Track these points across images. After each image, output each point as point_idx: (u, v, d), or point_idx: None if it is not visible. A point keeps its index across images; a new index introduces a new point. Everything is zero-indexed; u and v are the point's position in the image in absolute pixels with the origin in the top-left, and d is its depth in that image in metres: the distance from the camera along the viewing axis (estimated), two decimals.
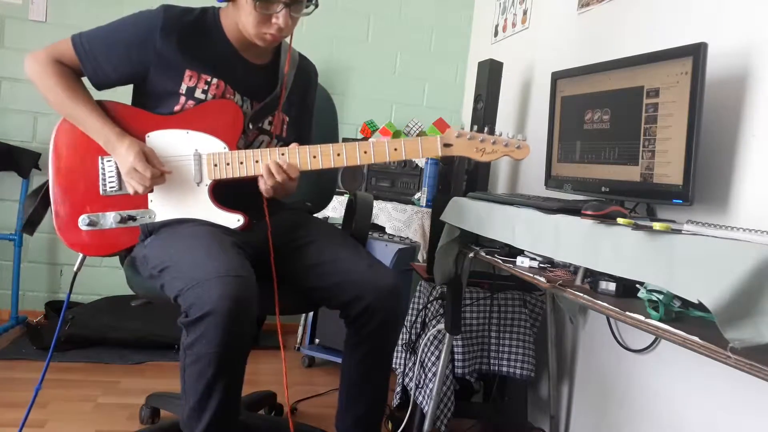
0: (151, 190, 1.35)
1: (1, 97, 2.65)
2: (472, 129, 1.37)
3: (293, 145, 1.37)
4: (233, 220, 1.37)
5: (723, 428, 1.34)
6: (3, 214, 2.67)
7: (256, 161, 1.35)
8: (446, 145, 1.34)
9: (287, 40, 1.49)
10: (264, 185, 1.35)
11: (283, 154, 1.35)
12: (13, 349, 2.34)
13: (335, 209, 2.39)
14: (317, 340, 2.47)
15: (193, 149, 1.37)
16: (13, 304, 2.58)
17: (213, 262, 1.17)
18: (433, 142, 1.34)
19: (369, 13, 3.02)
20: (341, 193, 2.47)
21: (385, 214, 2.32)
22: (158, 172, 1.33)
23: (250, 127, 1.44)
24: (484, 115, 2.18)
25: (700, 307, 0.86)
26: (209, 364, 1.14)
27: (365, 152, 1.35)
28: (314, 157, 1.35)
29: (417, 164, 2.54)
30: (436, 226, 1.73)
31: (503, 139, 1.35)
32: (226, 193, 1.39)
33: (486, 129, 1.37)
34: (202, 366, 1.15)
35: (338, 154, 1.35)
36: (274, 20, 1.32)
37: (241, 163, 1.36)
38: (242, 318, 1.14)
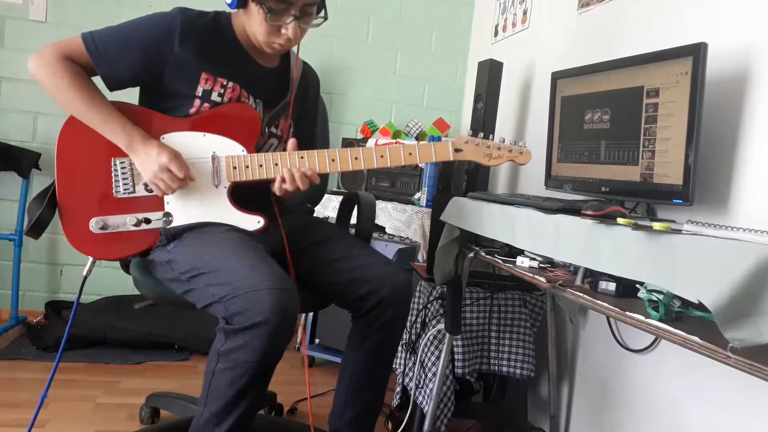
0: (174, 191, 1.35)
1: (1, 97, 2.65)
2: (472, 129, 1.39)
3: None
4: (253, 222, 1.37)
5: (723, 428, 1.34)
6: (3, 214, 2.67)
7: (276, 164, 1.36)
8: (456, 150, 1.41)
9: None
10: (280, 187, 1.36)
11: (303, 158, 1.36)
12: (13, 349, 2.34)
13: (335, 209, 2.38)
14: (317, 340, 2.47)
15: (210, 152, 1.37)
16: (13, 304, 2.58)
17: (259, 272, 1.18)
18: (444, 147, 1.41)
19: (369, 13, 3.02)
20: (340, 193, 2.47)
21: (385, 214, 2.32)
22: (190, 173, 1.33)
23: (266, 130, 1.45)
24: (484, 115, 2.18)
25: (700, 307, 0.86)
26: (245, 372, 1.15)
27: (381, 156, 1.38)
28: (332, 160, 1.38)
29: (417, 164, 2.53)
30: (436, 226, 1.73)
31: (507, 145, 1.44)
32: (235, 196, 1.39)
33: (481, 134, 1.45)
34: (236, 373, 1.16)
35: (356, 158, 1.38)
36: (283, 31, 1.33)
37: (261, 165, 1.36)
38: (286, 331, 1.16)
